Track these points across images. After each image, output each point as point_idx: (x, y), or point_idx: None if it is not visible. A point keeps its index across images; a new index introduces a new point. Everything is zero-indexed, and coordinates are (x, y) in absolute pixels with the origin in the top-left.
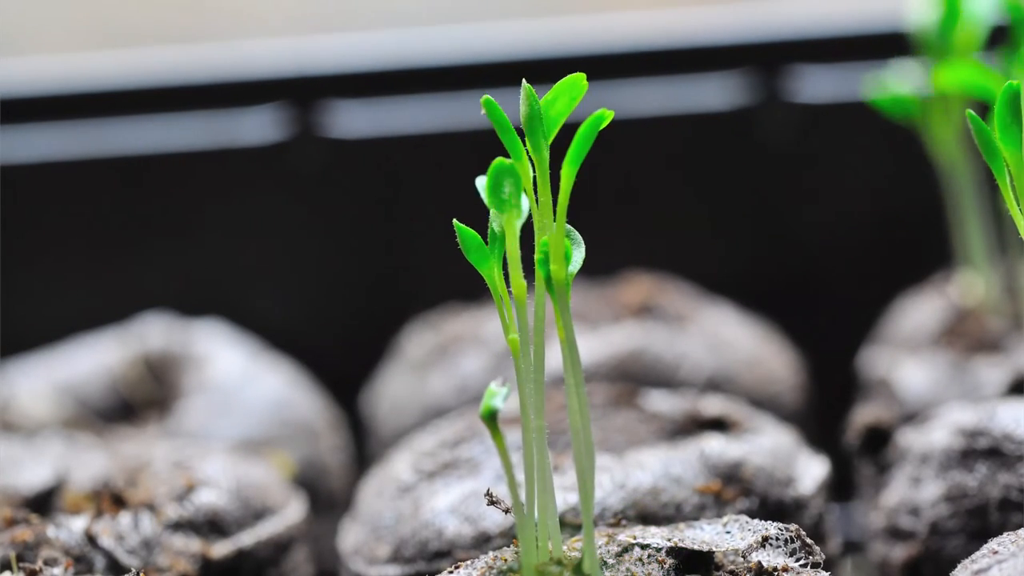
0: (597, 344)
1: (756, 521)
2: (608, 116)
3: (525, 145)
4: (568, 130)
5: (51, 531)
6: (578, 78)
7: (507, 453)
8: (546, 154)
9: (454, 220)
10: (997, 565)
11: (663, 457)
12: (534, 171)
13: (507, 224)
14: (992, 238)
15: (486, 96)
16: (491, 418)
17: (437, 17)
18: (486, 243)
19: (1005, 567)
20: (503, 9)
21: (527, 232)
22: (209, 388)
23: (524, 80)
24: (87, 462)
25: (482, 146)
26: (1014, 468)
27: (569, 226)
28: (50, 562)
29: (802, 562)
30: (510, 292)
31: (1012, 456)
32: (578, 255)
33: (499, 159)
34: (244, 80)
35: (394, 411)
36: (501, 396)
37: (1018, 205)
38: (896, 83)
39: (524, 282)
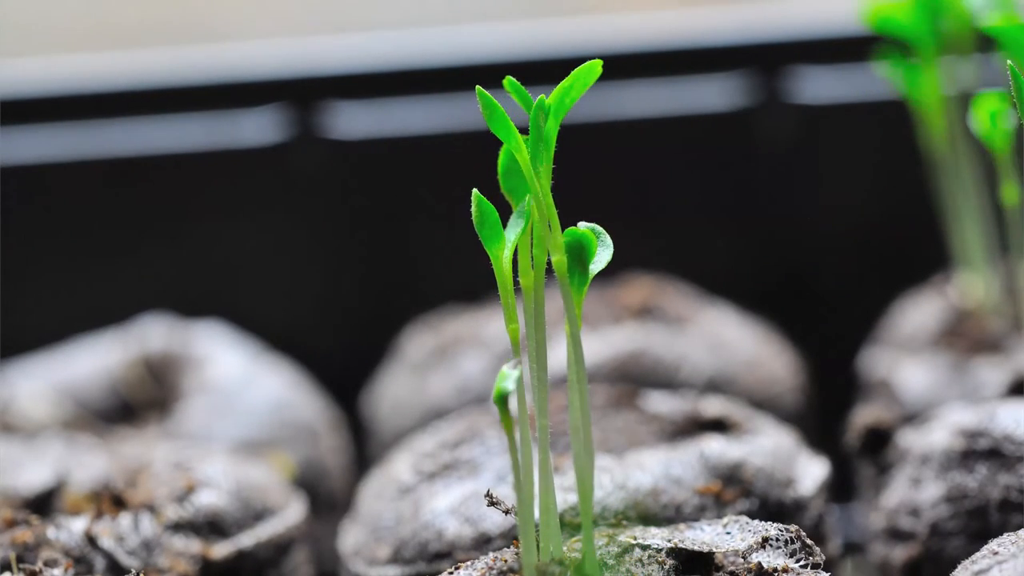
0: (597, 345)
1: (756, 522)
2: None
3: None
4: (569, 134)
5: (51, 532)
6: (593, 64)
7: (515, 440)
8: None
9: (474, 191)
10: (997, 566)
11: (663, 458)
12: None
13: (516, 208)
14: (991, 238)
15: (479, 88)
16: (503, 402)
17: (437, 18)
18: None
19: (1005, 568)
20: (503, 10)
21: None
22: (209, 389)
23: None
24: (87, 463)
25: (482, 147)
26: (1014, 469)
27: (598, 227)
28: (50, 563)
29: (802, 563)
30: (517, 282)
31: (1012, 457)
32: (604, 255)
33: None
34: (244, 81)
35: (394, 412)
36: (513, 378)
37: None
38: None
39: (532, 272)
